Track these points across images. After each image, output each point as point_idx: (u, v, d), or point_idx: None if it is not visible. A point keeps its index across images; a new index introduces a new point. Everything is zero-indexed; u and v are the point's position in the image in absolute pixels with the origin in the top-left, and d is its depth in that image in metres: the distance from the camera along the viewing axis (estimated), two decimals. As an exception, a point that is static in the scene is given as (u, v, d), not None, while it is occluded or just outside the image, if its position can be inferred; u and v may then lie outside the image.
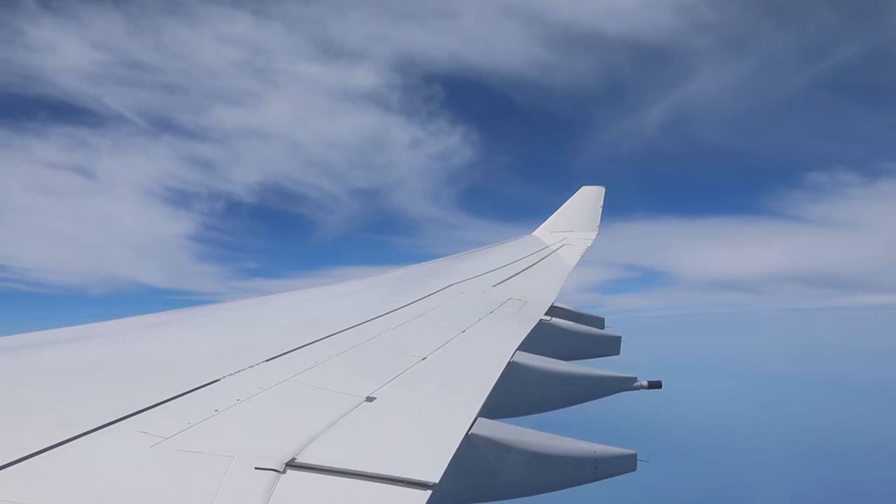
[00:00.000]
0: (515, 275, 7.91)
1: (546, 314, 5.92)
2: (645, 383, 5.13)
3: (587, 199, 12.70)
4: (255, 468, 2.02)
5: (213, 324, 4.65)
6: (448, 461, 2.29)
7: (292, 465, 2.09)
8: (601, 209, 12.34)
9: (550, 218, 12.37)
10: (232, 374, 2.96)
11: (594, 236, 11.32)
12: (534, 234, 11.86)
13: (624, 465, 3.72)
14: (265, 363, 3.24)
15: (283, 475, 2.01)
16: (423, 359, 3.79)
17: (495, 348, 4.33)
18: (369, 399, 2.89)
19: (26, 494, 1.73)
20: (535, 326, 5.35)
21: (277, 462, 2.07)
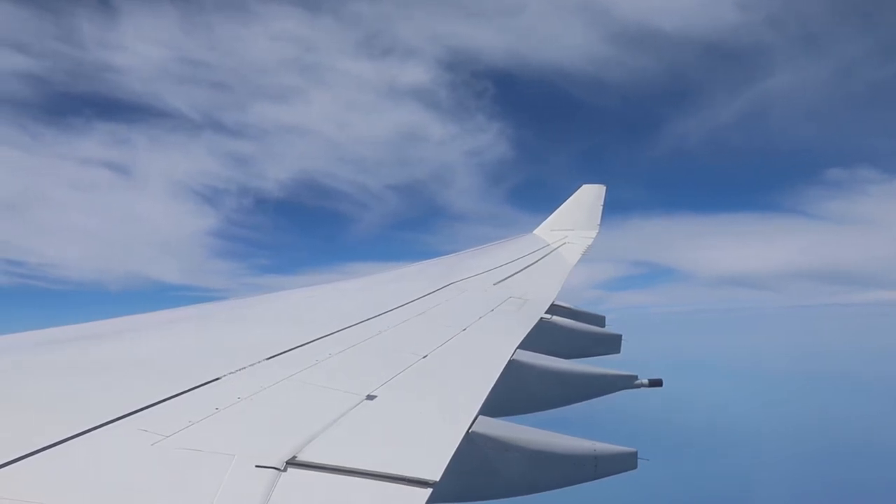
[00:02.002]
0: (516, 273, 7.90)
1: (546, 312, 5.92)
2: (646, 381, 5.12)
3: (588, 198, 12.69)
4: (256, 466, 2.02)
5: (213, 322, 4.66)
6: (449, 459, 2.29)
7: (293, 463, 2.09)
8: (602, 208, 12.33)
9: (551, 216, 12.36)
10: (233, 373, 2.97)
11: (595, 235, 11.32)
12: (534, 232, 11.86)
13: (624, 463, 3.72)
14: (266, 361, 3.25)
15: (283, 473, 2.02)
16: (424, 357, 3.79)
17: (496, 347, 4.33)
18: (370, 397, 2.89)
19: (28, 492, 1.74)
20: (536, 325, 5.35)
21: (278, 460, 2.07)
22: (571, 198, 12.82)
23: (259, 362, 3.20)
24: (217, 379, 2.85)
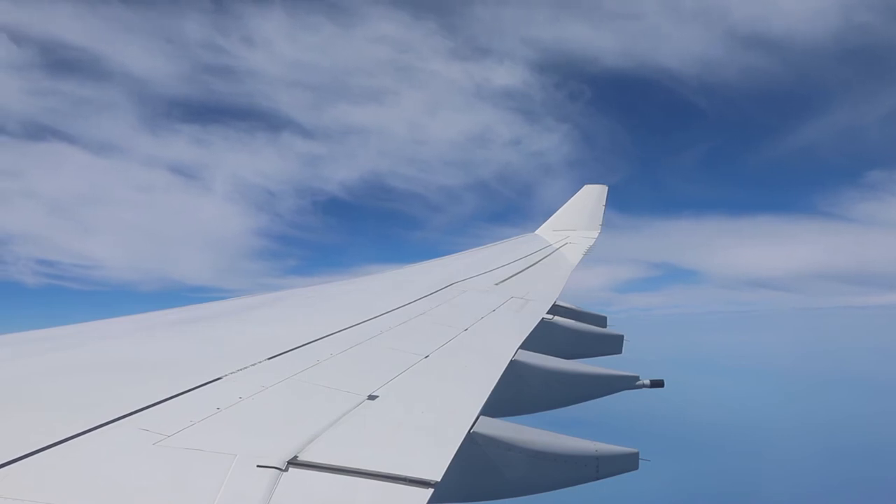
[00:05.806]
0: (518, 273, 7.90)
1: (548, 313, 5.92)
2: (647, 382, 5.12)
3: (590, 198, 12.70)
4: (258, 466, 2.02)
5: (215, 321, 4.66)
6: (450, 459, 2.29)
7: (294, 463, 2.09)
8: (603, 208, 12.36)
9: (553, 216, 12.38)
10: (234, 372, 2.97)
11: (596, 235, 11.35)
12: (536, 232, 11.87)
13: (626, 463, 3.71)
14: (267, 361, 3.25)
15: (285, 473, 2.02)
16: (426, 357, 3.79)
17: (497, 347, 4.33)
18: (371, 397, 2.89)
19: (28, 492, 1.74)
20: (538, 325, 5.35)
21: (279, 460, 2.07)
22: (573, 198, 12.85)
23: (260, 362, 3.20)
24: (218, 378, 2.85)
